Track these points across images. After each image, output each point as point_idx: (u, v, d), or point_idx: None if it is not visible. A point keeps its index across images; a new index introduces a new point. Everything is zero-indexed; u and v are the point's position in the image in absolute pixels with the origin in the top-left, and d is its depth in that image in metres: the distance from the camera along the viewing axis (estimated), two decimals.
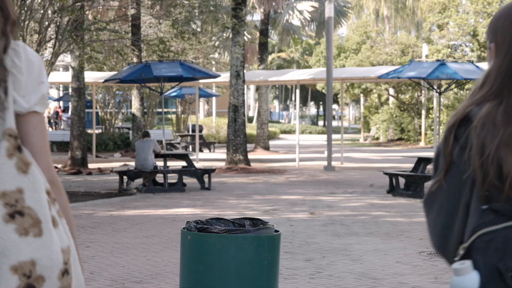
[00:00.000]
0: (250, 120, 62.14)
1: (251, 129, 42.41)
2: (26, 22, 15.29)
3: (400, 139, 40.98)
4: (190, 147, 30.70)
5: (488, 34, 2.01)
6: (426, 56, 34.42)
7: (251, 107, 76.56)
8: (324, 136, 42.22)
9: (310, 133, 56.83)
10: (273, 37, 47.39)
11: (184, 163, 17.05)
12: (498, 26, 1.94)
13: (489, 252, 1.80)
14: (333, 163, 21.86)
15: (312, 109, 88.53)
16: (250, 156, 25.62)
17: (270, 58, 66.91)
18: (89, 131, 33.49)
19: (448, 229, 1.94)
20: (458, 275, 1.87)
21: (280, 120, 78.78)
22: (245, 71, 23.52)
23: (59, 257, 1.95)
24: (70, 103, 24.27)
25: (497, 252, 1.78)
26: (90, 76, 26.85)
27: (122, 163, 22.74)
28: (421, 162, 15.00)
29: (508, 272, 1.75)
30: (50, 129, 42.43)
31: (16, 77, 1.94)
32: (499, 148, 1.79)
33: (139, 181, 16.96)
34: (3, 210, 1.86)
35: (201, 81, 25.23)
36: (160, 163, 16.80)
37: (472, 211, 1.86)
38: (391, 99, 43.36)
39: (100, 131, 35.44)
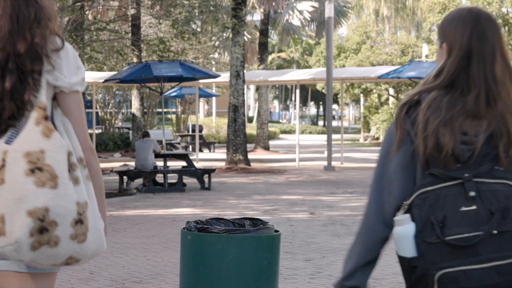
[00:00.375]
0: (250, 120, 62.16)
1: (251, 129, 42.42)
2: None
3: None
4: (190, 147, 30.71)
5: (439, 35, 2.42)
6: (426, 56, 34.44)
7: (251, 107, 76.59)
8: (324, 136, 42.22)
9: (310, 133, 56.86)
10: (273, 37, 47.41)
11: (184, 163, 17.06)
12: (450, 30, 2.36)
13: (424, 207, 2.24)
14: (333, 163, 21.87)
15: (312, 109, 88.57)
16: (250, 156, 25.64)
17: (270, 58, 66.91)
18: (89, 131, 33.50)
19: (400, 190, 2.36)
20: (399, 226, 2.28)
21: (280, 120, 78.82)
22: (245, 71, 23.53)
23: (72, 207, 2.31)
24: None
25: (431, 207, 2.23)
26: (90, 76, 26.83)
27: (122, 163, 22.74)
28: None
29: (438, 223, 2.20)
30: None
31: (55, 61, 2.45)
32: (439, 126, 2.26)
33: (139, 181, 16.97)
34: (26, 166, 2.30)
35: (201, 81, 25.23)
36: (160, 163, 16.80)
37: (419, 177, 2.32)
38: (391, 99, 43.38)
39: (100, 131, 35.46)
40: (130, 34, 25.34)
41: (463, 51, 2.34)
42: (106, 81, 18.38)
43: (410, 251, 2.31)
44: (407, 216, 2.28)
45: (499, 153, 2.30)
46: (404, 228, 2.28)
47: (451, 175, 2.26)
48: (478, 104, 2.31)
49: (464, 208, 2.23)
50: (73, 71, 2.51)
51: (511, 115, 2.33)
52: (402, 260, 2.37)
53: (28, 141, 2.34)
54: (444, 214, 2.23)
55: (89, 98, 37.19)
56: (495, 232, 2.20)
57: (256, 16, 44.63)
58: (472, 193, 2.23)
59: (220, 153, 29.19)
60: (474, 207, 2.23)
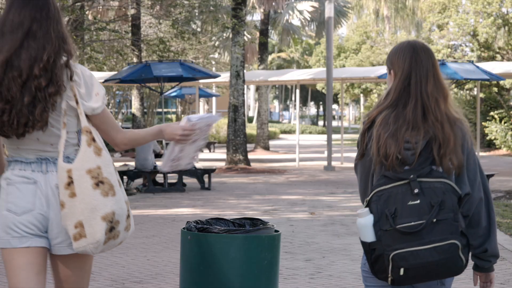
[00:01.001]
0: (250, 120, 62.14)
1: (251, 129, 42.40)
2: None
3: None
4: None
5: (387, 64, 3.12)
6: None
7: (251, 107, 76.58)
8: (324, 136, 42.20)
9: (310, 133, 56.86)
10: (273, 37, 47.39)
11: None
12: (395, 59, 3.08)
13: (379, 202, 2.94)
14: (333, 163, 21.87)
15: (312, 109, 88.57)
16: (250, 156, 25.63)
17: (270, 58, 66.89)
18: None
19: (365, 189, 3.11)
20: (361, 217, 2.98)
21: (281, 120, 78.81)
22: (245, 71, 23.52)
23: (125, 207, 3.12)
24: None
25: (385, 202, 2.93)
26: None
27: (122, 163, 22.74)
28: None
29: (390, 215, 2.90)
30: None
31: (78, 85, 3.05)
32: (388, 138, 2.94)
33: (139, 181, 16.97)
34: (91, 181, 3.00)
35: (201, 81, 25.22)
36: (160, 163, 16.79)
37: (375, 177, 3.04)
38: None
39: None
40: (130, 34, 25.33)
41: (405, 75, 3.05)
42: (106, 81, 18.37)
43: (370, 237, 2.98)
44: (367, 209, 2.98)
45: (437, 156, 2.96)
46: (365, 219, 2.98)
47: (400, 177, 2.95)
48: (415, 116, 2.99)
49: (410, 202, 2.92)
50: (92, 93, 3.12)
51: (441, 124, 2.98)
52: (364, 244, 3.00)
53: (86, 160, 3.02)
54: (395, 208, 2.93)
55: None
56: (434, 220, 2.90)
57: (256, 16, 44.65)
58: (416, 190, 2.93)
59: (220, 153, 29.19)
60: (418, 201, 2.92)
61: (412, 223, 2.91)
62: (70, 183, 2.99)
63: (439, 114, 3.02)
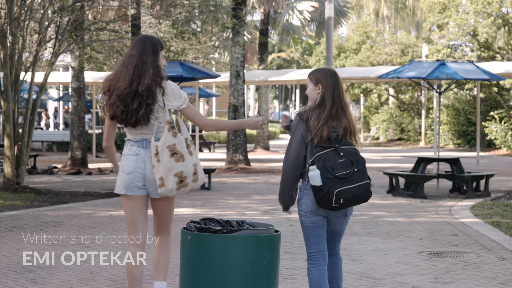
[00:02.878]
0: None
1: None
2: (26, 22, 15.29)
3: (400, 139, 40.98)
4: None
5: (314, 81, 5.13)
6: (426, 56, 34.42)
7: (251, 107, 76.55)
8: None
9: None
10: (273, 37, 47.36)
11: None
12: (322, 79, 5.10)
13: (320, 162, 4.90)
14: None
15: None
16: (250, 156, 25.62)
17: (270, 58, 66.86)
18: (89, 131, 33.47)
19: (298, 158, 5.06)
20: (312, 171, 4.91)
21: (281, 120, 78.70)
22: (245, 71, 23.50)
23: (191, 168, 5.03)
24: (70, 103, 24.26)
25: (324, 161, 4.90)
26: (90, 76, 26.83)
27: None
28: (421, 162, 14.99)
29: (330, 168, 4.88)
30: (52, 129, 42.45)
31: (166, 95, 5.07)
32: (322, 125, 4.99)
33: None
34: (169, 152, 4.96)
35: (201, 81, 25.22)
36: None
37: (310, 148, 5.00)
38: (391, 99, 43.36)
39: (100, 131, 35.42)
40: (130, 34, 25.31)
41: (331, 89, 5.10)
42: None
43: (319, 182, 4.93)
44: (314, 166, 4.93)
45: (347, 135, 5.10)
46: (315, 172, 4.93)
47: (330, 146, 5.00)
48: (338, 113, 5.07)
49: (339, 160, 4.97)
50: (177, 96, 5.15)
51: (350, 119, 5.10)
52: (315, 187, 4.94)
53: (166, 139, 5.04)
54: (331, 164, 4.94)
55: (89, 98, 37.15)
56: (356, 170, 4.97)
57: (256, 16, 44.60)
58: (342, 154, 4.99)
59: (220, 153, 29.19)
60: (344, 160, 4.98)
61: (344, 172, 4.96)
62: (156, 153, 5.06)
63: (348, 113, 5.14)
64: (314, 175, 4.91)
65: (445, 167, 17.92)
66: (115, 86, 5.11)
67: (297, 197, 5.21)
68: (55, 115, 43.39)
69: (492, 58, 32.32)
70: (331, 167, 4.92)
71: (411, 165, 17.42)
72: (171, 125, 5.04)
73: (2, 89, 15.00)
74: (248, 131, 33.82)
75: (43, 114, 43.85)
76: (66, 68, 41.17)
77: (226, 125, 5.71)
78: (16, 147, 15.05)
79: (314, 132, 4.99)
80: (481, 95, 32.59)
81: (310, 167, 4.90)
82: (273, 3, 30.07)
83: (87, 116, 39.91)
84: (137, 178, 5.16)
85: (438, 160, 15.27)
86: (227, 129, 5.74)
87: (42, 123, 43.54)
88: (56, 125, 42.19)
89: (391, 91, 41.17)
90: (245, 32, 26.82)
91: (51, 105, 45.48)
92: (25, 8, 15.18)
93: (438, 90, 16.17)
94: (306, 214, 5.10)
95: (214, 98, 47.08)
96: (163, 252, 5.38)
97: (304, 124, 5.03)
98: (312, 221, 5.09)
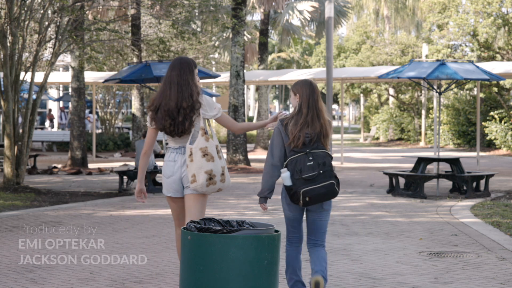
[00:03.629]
0: (250, 120, 62.01)
1: None
2: (26, 22, 15.29)
3: (400, 139, 40.96)
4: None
5: (293, 90, 5.93)
6: (426, 56, 34.40)
7: (251, 107, 76.49)
8: None
9: None
10: (273, 37, 47.34)
11: None
12: (300, 88, 5.91)
13: (292, 165, 5.78)
14: (333, 163, 21.83)
15: None
16: (250, 156, 25.61)
17: (270, 58, 66.83)
18: (95, 131, 33.44)
19: (280, 155, 5.88)
20: (283, 173, 5.80)
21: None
22: (245, 71, 23.49)
23: (220, 168, 5.84)
24: (70, 103, 24.26)
25: (295, 164, 5.77)
26: (90, 76, 26.82)
27: (122, 163, 22.72)
28: (421, 162, 14.99)
29: (298, 171, 5.75)
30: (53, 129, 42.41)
31: (203, 107, 5.96)
32: (297, 132, 5.80)
33: None
34: (201, 153, 5.79)
35: (201, 81, 25.18)
36: (160, 163, 16.78)
37: (288, 152, 5.83)
38: (391, 99, 43.34)
39: (100, 131, 35.42)
40: (130, 34, 25.30)
41: (306, 97, 5.87)
42: (106, 81, 18.37)
43: (289, 183, 5.78)
44: (286, 169, 5.77)
45: (321, 139, 5.83)
46: (286, 174, 5.78)
47: (302, 150, 5.77)
48: (313, 119, 5.81)
49: (308, 163, 5.71)
50: (213, 107, 6.02)
51: (324, 125, 5.83)
52: (286, 187, 5.83)
53: (199, 143, 5.82)
54: (300, 167, 5.72)
55: (89, 98, 37.15)
56: (321, 171, 5.71)
57: (256, 16, 44.60)
58: (311, 157, 5.74)
59: None
60: (312, 163, 5.72)
61: (310, 174, 5.76)
62: (190, 154, 5.86)
63: (322, 118, 5.88)
64: (285, 176, 5.83)
65: (445, 167, 17.92)
66: (162, 103, 5.95)
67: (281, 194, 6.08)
68: (61, 116, 43.24)
69: (492, 58, 32.31)
70: (300, 169, 5.75)
71: (411, 165, 17.41)
72: (205, 131, 5.89)
73: (2, 89, 15.00)
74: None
75: (47, 115, 43.46)
76: (66, 68, 41.16)
77: (253, 126, 6.36)
78: (16, 147, 15.05)
79: (291, 139, 5.82)
80: (481, 95, 32.58)
81: (281, 169, 5.86)
82: (273, 3, 30.06)
83: (91, 116, 39.78)
84: (175, 181, 5.97)
85: (438, 160, 15.27)
86: (254, 129, 6.41)
87: (47, 124, 43.33)
88: (61, 126, 41.44)
89: (391, 91, 41.15)
90: (245, 32, 26.82)
91: (56, 106, 45.35)
92: (25, 8, 15.17)
93: (438, 90, 16.17)
94: (287, 206, 6.03)
95: (214, 98, 47.05)
96: None
97: (284, 130, 5.87)
98: (292, 212, 6.03)
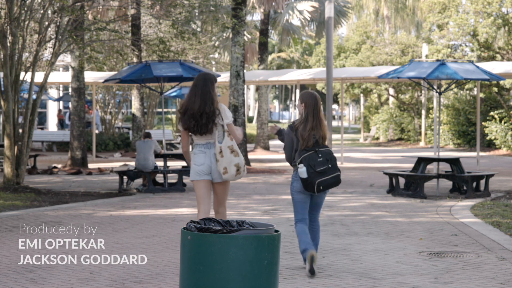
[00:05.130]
0: (250, 120, 62.08)
1: (251, 129, 42.32)
2: (26, 22, 15.29)
3: (400, 139, 40.96)
4: (190, 147, 30.65)
5: (301, 99, 7.57)
6: (426, 56, 34.40)
7: (251, 107, 76.54)
8: None
9: None
10: (273, 37, 47.34)
11: (184, 163, 17.04)
12: (306, 98, 7.52)
13: (306, 161, 7.38)
14: None
15: None
16: (250, 156, 25.61)
17: (270, 58, 66.83)
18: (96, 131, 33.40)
19: (290, 154, 7.58)
20: (300, 168, 7.36)
21: (280, 120, 78.76)
22: (245, 71, 23.48)
23: (243, 162, 7.41)
24: (70, 103, 24.26)
25: (308, 160, 7.38)
26: (90, 76, 26.82)
27: (122, 163, 22.72)
28: (421, 162, 14.99)
29: (312, 165, 7.36)
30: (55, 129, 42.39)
31: (222, 114, 7.46)
32: (307, 135, 7.45)
33: (139, 181, 16.96)
34: (229, 150, 7.38)
35: None
36: (160, 163, 16.78)
37: (299, 150, 7.50)
38: (391, 99, 43.34)
39: (103, 127, 35.41)
40: (130, 34, 25.31)
41: (312, 107, 7.46)
42: (106, 81, 18.36)
43: (305, 175, 7.33)
44: (302, 164, 7.34)
45: (322, 140, 7.49)
46: (303, 169, 7.33)
47: (311, 149, 7.42)
48: (317, 125, 7.44)
49: (318, 159, 7.37)
50: (228, 117, 7.44)
51: (324, 130, 7.47)
52: (302, 179, 7.34)
53: (226, 142, 7.36)
54: (313, 162, 7.36)
55: (89, 98, 37.15)
56: (330, 166, 7.39)
57: (256, 16, 44.60)
58: (320, 155, 7.39)
59: None
60: (322, 159, 7.39)
61: (322, 168, 7.33)
62: (220, 151, 7.31)
63: (323, 125, 7.46)
64: (302, 171, 7.36)
65: (445, 167, 17.92)
66: (189, 107, 7.45)
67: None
68: (70, 116, 43.05)
69: (492, 58, 32.31)
70: (313, 165, 7.36)
71: (411, 165, 17.41)
72: (228, 133, 7.43)
73: (2, 89, 15.00)
74: (248, 131, 33.83)
75: (57, 115, 43.08)
76: (66, 68, 41.15)
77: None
78: (16, 147, 15.05)
79: (302, 141, 7.45)
80: (481, 95, 32.58)
81: (299, 165, 7.40)
82: (273, 3, 30.06)
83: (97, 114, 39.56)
84: (205, 168, 7.43)
85: (438, 160, 15.27)
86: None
87: (54, 124, 43.12)
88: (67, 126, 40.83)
89: (391, 91, 41.16)
90: (245, 32, 26.82)
91: (56, 106, 45.25)
92: (25, 8, 15.17)
93: (438, 90, 16.17)
94: (296, 192, 7.52)
95: None
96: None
97: (294, 133, 7.53)
98: (300, 198, 7.54)
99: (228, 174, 7.35)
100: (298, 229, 7.64)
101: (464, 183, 14.83)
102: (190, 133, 7.52)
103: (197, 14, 26.84)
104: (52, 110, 46.01)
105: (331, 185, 7.39)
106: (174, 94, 35.32)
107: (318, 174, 7.31)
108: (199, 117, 7.37)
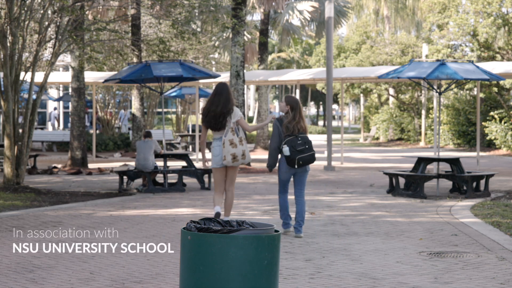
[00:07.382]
0: (250, 120, 62.11)
1: None
2: (26, 22, 15.29)
3: (400, 139, 40.96)
4: (190, 147, 30.70)
5: (286, 101, 10.07)
6: (426, 56, 34.40)
7: (251, 107, 76.56)
8: (324, 136, 42.02)
9: (310, 133, 56.79)
10: (273, 37, 47.35)
11: (184, 163, 17.03)
12: (291, 102, 9.99)
13: (288, 143, 9.83)
14: (333, 163, 21.86)
15: (312, 109, 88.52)
16: (250, 156, 25.53)
17: (270, 58, 66.83)
18: (90, 131, 33.43)
19: (278, 141, 9.91)
20: (284, 148, 9.80)
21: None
22: (245, 71, 23.48)
23: (240, 151, 10.04)
24: (70, 103, 24.26)
25: (290, 143, 9.82)
26: (90, 76, 26.82)
27: (122, 163, 22.71)
28: (421, 162, 14.99)
29: (293, 146, 9.79)
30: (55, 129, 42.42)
31: (233, 114, 10.14)
32: (292, 125, 9.88)
33: (139, 181, 16.95)
34: (228, 143, 10.01)
35: (201, 81, 25.22)
36: (160, 163, 16.77)
37: (283, 138, 9.90)
38: (391, 99, 43.33)
39: (98, 131, 35.38)
40: (130, 34, 25.31)
41: (296, 109, 9.93)
42: (106, 81, 18.37)
43: (288, 153, 9.73)
44: (286, 145, 9.76)
45: (303, 131, 9.97)
46: (286, 148, 9.75)
47: (293, 135, 9.83)
48: (299, 121, 9.90)
49: (298, 142, 9.80)
50: (238, 115, 10.14)
51: (303, 123, 9.95)
52: (286, 156, 9.78)
53: (229, 136, 10.01)
54: (294, 144, 9.77)
55: (89, 98, 37.17)
56: (307, 146, 9.82)
57: (256, 16, 44.61)
58: (299, 139, 9.83)
59: None
60: (300, 141, 9.81)
61: (301, 148, 9.72)
62: (223, 143, 9.88)
63: (303, 121, 9.92)
64: (286, 150, 9.66)
65: (445, 167, 17.91)
66: (211, 109, 9.97)
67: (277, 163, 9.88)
68: (55, 116, 43.16)
69: (492, 58, 32.30)
70: (294, 145, 9.67)
71: (411, 165, 17.41)
72: (233, 129, 9.94)
73: (2, 89, 15.00)
74: None
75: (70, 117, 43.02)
76: (66, 68, 41.16)
77: (259, 126, 10.85)
78: (16, 147, 15.05)
79: (286, 130, 9.74)
80: (481, 95, 32.58)
81: (283, 145, 9.70)
82: (273, 3, 30.06)
83: (122, 113, 39.36)
84: (219, 159, 9.93)
85: (438, 160, 15.27)
86: (259, 128, 9.99)
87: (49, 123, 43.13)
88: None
89: (391, 91, 41.16)
90: (245, 32, 26.83)
91: (51, 105, 45.29)
92: (25, 8, 15.17)
93: (438, 90, 16.17)
94: (282, 172, 9.82)
95: None
96: (229, 197, 10.12)
97: (280, 125, 9.81)
98: (285, 176, 9.85)
99: (226, 161, 9.89)
100: (280, 200, 10.01)
101: (464, 183, 14.83)
102: (208, 129, 10.07)
103: (197, 14, 26.85)
104: (52, 110, 46.01)
105: (308, 161, 9.74)
106: (174, 94, 35.33)
107: (298, 152, 9.68)
108: (219, 117, 9.95)
